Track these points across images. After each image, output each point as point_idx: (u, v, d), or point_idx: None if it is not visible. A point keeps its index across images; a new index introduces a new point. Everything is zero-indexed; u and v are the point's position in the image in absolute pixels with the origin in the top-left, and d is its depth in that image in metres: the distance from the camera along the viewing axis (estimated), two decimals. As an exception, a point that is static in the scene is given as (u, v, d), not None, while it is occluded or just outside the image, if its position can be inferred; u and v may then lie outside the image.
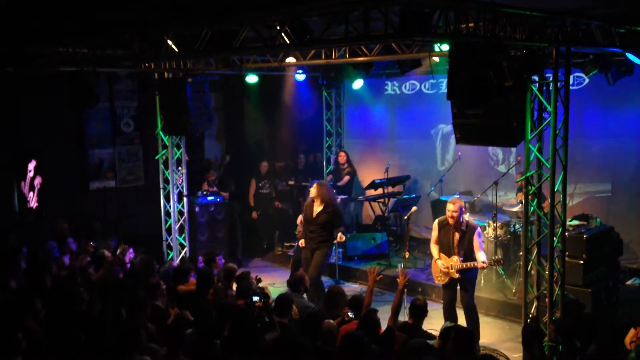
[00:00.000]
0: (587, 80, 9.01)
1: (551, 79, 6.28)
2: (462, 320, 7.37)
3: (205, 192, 10.94)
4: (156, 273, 7.50)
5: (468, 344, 5.19)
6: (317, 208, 8.49)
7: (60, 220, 9.26)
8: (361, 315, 6.05)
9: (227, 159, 12.13)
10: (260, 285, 6.82)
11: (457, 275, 7.28)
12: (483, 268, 7.26)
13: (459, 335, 5.23)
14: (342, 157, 11.86)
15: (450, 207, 7.27)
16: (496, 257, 7.64)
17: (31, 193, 9.82)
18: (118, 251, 8.42)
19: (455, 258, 7.28)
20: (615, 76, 7.99)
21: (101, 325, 5.53)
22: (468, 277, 7.34)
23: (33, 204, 9.83)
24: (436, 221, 7.60)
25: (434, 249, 7.54)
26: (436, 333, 6.07)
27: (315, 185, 8.59)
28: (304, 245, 8.68)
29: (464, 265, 7.20)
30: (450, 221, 7.27)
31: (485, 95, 5.55)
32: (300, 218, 9.68)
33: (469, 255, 7.25)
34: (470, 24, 5.58)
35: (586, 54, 7.79)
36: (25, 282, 7.15)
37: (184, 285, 7.17)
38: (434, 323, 6.90)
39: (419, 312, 6.12)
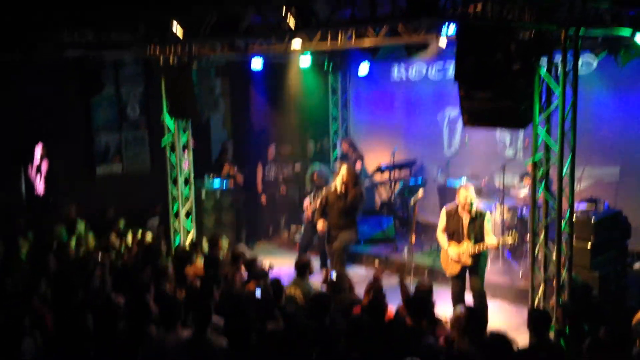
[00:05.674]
0: (595, 63, 8.92)
1: (560, 61, 6.22)
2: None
3: (228, 175, 11.02)
4: (164, 257, 7.54)
5: (482, 322, 5.23)
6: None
7: (67, 205, 9.30)
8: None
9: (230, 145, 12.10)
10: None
11: (470, 262, 7.24)
12: (496, 247, 7.22)
13: (472, 315, 5.25)
14: (345, 146, 11.81)
15: (463, 192, 7.23)
16: (509, 234, 7.56)
17: (38, 178, 9.85)
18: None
19: (466, 244, 7.23)
20: (624, 59, 7.91)
21: (111, 310, 5.54)
22: (479, 262, 7.31)
23: (40, 189, 9.87)
24: (444, 210, 7.55)
25: (442, 238, 7.49)
26: (443, 317, 6.08)
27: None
28: (322, 229, 8.83)
29: (477, 249, 7.17)
30: (466, 207, 7.22)
31: (493, 77, 5.53)
32: (306, 203, 9.70)
33: (479, 240, 7.21)
34: (478, 7, 5.51)
35: (595, 37, 7.71)
36: (30, 266, 7.19)
37: (191, 268, 7.22)
38: (440, 306, 6.90)
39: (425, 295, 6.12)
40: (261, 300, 5.80)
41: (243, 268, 7.18)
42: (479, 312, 5.50)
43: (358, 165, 11.54)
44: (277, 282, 6.28)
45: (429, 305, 5.61)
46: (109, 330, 5.19)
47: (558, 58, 6.26)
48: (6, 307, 5.45)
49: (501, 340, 4.59)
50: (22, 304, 5.64)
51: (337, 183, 8.67)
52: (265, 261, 7.53)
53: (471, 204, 7.22)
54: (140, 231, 8.88)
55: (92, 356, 4.78)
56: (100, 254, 6.86)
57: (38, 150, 9.84)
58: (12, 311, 5.28)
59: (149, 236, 8.65)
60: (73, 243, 8.27)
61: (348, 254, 9.37)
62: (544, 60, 6.30)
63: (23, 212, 9.45)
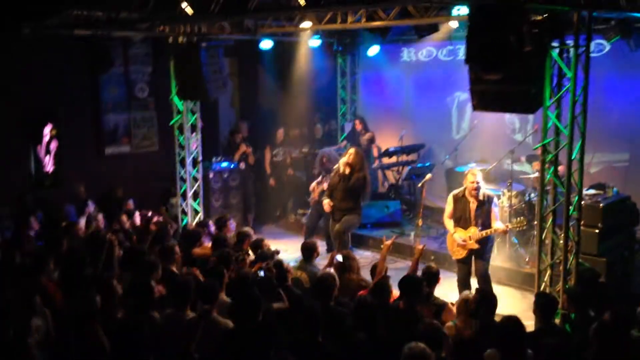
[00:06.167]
0: (607, 47, 8.80)
1: (572, 44, 6.15)
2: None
3: (243, 155, 11.01)
4: (171, 237, 7.57)
5: (492, 306, 5.23)
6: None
7: (77, 184, 9.34)
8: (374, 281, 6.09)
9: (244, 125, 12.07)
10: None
11: (476, 246, 7.20)
12: (505, 232, 7.19)
13: (484, 298, 5.25)
14: (358, 125, 11.77)
15: (471, 177, 7.18)
16: (519, 219, 7.53)
17: (47, 157, 9.90)
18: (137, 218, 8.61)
19: (472, 229, 7.19)
20: (637, 42, 7.81)
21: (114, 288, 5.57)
22: (485, 247, 7.29)
23: (49, 167, 9.92)
24: (450, 195, 7.50)
25: (449, 223, 7.44)
26: (448, 300, 6.10)
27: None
28: (328, 209, 8.77)
29: (484, 234, 7.14)
30: (473, 192, 7.17)
31: (504, 60, 5.45)
32: (313, 184, 9.69)
33: (486, 225, 7.18)
34: (491, -13, 5.44)
35: (608, 20, 7.61)
36: (40, 244, 7.23)
37: (199, 249, 7.24)
38: (447, 291, 6.91)
39: (432, 278, 6.12)
40: (266, 281, 5.81)
41: (250, 249, 7.21)
42: (490, 295, 5.48)
43: (375, 151, 11.50)
44: (280, 263, 6.28)
45: (419, 288, 5.56)
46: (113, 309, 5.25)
47: (571, 41, 6.19)
48: (16, 286, 5.49)
49: (514, 323, 4.56)
50: (32, 283, 5.67)
51: (341, 164, 8.64)
52: (272, 247, 7.54)
53: (478, 189, 7.18)
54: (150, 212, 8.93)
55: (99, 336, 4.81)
56: (109, 233, 6.88)
57: (47, 129, 9.87)
58: (22, 289, 5.32)
59: (155, 217, 8.69)
60: (83, 223, 8.31)
61: (350, 238, 9.35)
62: (556, 43, 6.22)
63: (32, 190, 9.49)
